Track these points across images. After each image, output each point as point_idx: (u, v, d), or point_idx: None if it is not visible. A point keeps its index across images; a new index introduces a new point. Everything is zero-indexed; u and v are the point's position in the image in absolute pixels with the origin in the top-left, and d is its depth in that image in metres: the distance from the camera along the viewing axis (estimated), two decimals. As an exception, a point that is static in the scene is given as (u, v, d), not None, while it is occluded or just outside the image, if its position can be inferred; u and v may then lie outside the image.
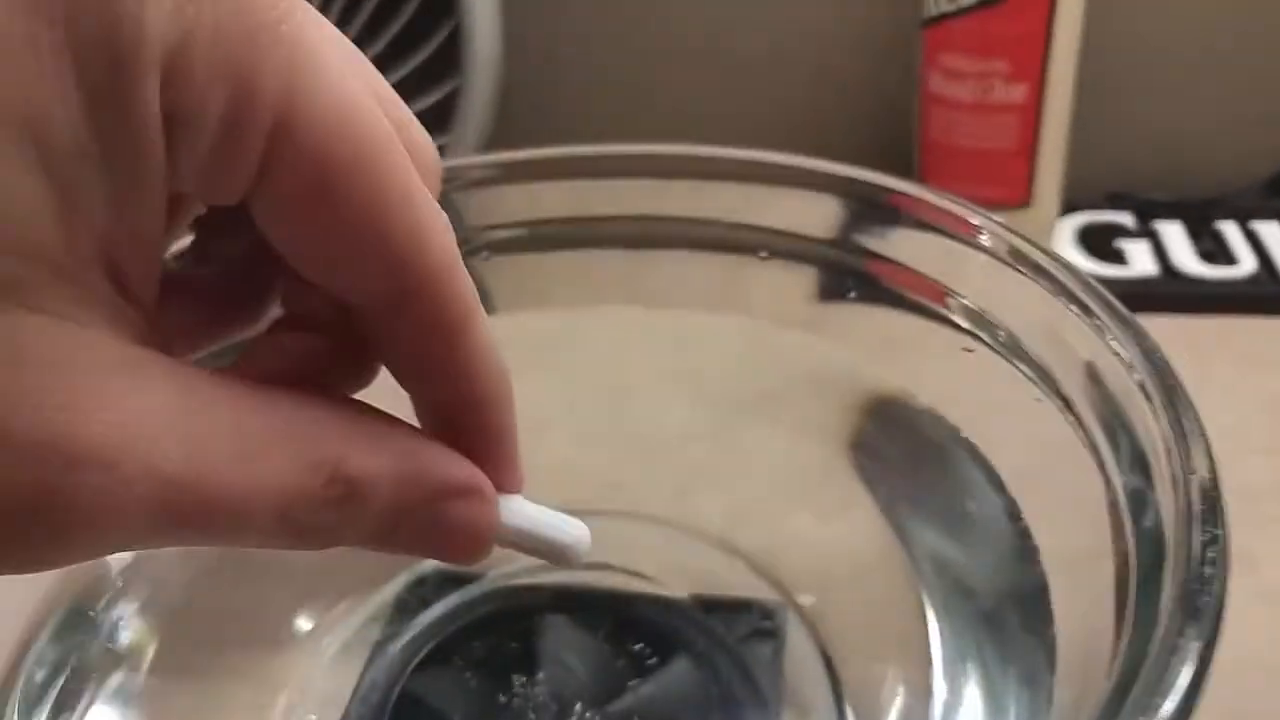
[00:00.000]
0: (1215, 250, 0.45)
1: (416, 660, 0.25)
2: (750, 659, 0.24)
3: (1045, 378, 0.22)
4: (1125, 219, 0.47)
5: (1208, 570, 0.15)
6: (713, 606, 0.26)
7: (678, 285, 0.32)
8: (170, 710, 0.23)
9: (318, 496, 0.13)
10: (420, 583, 0.27)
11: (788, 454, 0.28)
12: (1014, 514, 0.22)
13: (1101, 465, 0.20)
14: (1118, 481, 0.19)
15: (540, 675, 0.24)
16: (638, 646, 0.25)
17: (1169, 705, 0.14)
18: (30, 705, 0.21)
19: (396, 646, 0.25)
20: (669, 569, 0.27)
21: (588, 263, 0.33)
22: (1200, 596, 0.15)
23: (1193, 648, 0.14)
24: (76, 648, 0.23)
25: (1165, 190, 0.48)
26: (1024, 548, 0.22)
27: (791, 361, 0.29)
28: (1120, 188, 0.48)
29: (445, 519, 0.15)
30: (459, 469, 0.15)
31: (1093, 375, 0.21)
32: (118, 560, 0.25)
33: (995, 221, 0.24)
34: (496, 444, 0.16)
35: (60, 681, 0.22)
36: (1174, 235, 0.46)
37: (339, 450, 0.13)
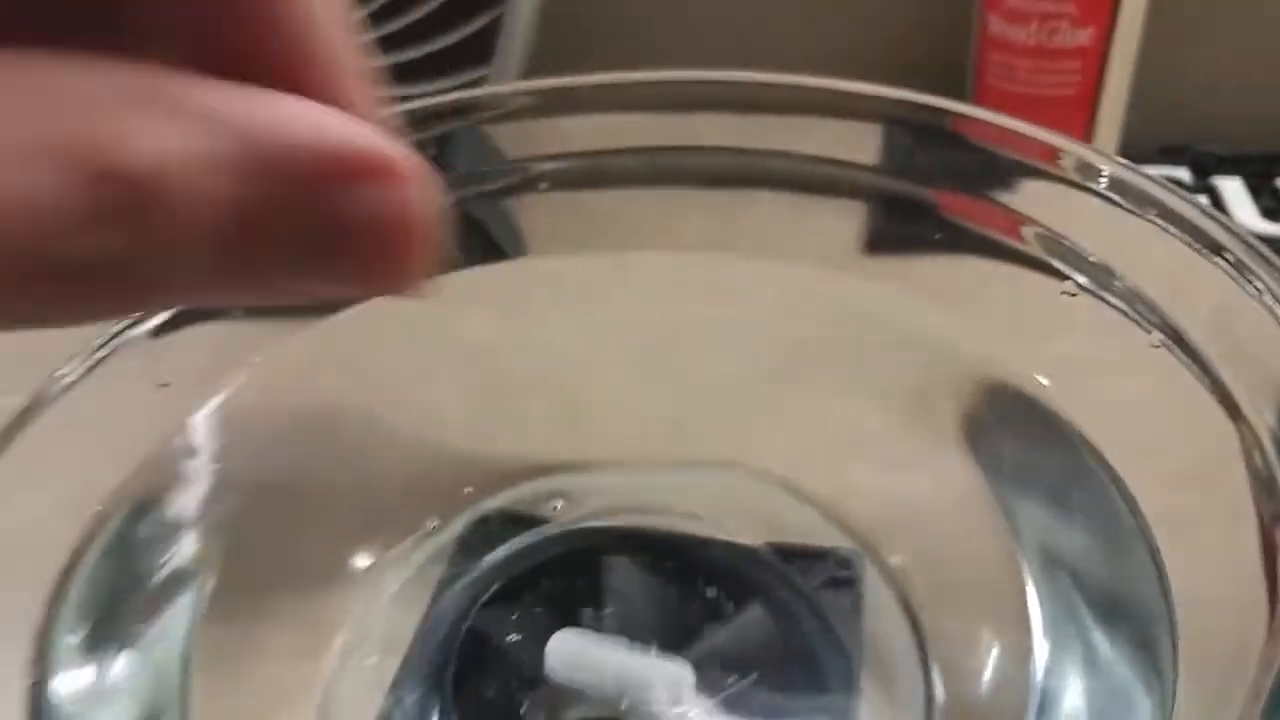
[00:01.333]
0: (1276, 208, 0.43)
1: (483, 599, 0.23)
2: (828, 609, 0.23)
3: (1163, 322, 0.21)
4: (1181, 173, 0.46)
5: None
6: (787, 553, 0.25)
7: (732, 223, 0.30)
8: (220, 651, 0.22)
9: (79, 211, 0.08)
10: (484, 522, 0.26)
11: (863, 402, 0.27)
12: (1123, 472, 0.21)
13: (1237, 416, 0.18)
14: (1263, 433, 0.17)
15: (611, 617, 0.23)
16: (711, 592, 0.24)
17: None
18: (81, 641, 0.20)
19: (460, 585, 0.24)
20: (737, 514, 0.26)
21: (632, 201, 0.31)
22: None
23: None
24: (125, 578, 0.21)
25: (1223, 144, 0.46)
26: (1135, 509, 0.20)
27: (860, 307, 0.28)
28: (1175, 140, 0.47)
29: (344, 221, 0.09)
30: (347, 128, 0.09)
31: (1223, 316, 0.19)
32: (173, 487, 0.23)
33: (1098, 153, 0.23)
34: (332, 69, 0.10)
35: (105, 613, 0.21)
36: (1233, 191, 0.44)
37: (105, 132, 0.08)
